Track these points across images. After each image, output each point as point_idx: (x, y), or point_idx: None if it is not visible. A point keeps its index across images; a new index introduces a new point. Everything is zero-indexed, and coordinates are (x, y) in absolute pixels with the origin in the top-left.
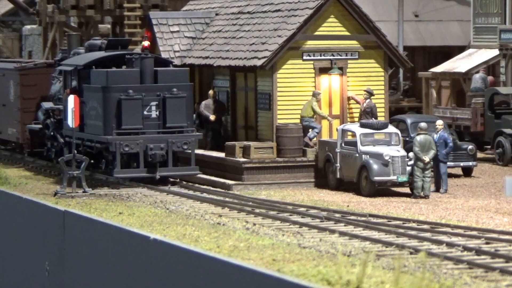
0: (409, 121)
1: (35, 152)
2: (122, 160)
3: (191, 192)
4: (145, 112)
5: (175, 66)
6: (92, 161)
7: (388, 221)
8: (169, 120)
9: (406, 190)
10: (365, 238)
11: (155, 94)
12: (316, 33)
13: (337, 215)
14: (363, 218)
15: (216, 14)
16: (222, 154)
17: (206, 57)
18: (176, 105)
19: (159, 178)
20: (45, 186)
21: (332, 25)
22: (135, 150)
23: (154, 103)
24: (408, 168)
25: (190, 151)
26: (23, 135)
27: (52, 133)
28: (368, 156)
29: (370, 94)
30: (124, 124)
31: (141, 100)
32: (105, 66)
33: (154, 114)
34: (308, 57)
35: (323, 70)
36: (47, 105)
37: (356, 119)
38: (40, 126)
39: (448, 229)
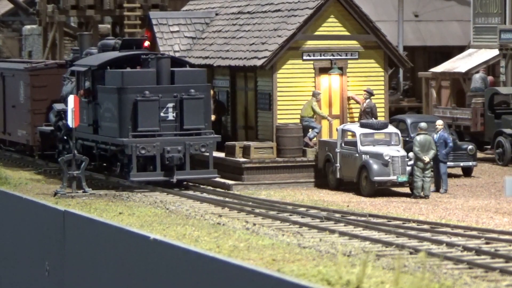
0: (409, 121)
1: (46, 154)
2: (138, 163)
3: (191, 192)
4: (161, 114)
5: (191, 66)
6: (104, 164)
7: (388, 221)
8: (186, 122)
9: (406, 190)
10: (365, 238)
11: (172, 95)
12: (316, 33)
13: (337, 215)
14: (363, 218)
15: (216, 14)
16: (222, 154)
17: (206, 57)
18: (194, 107)
19: (176, 181)
20: (45, 186)
21: (332, 25)
22: (151, 153)
23: (171, 104)
24: (408, 168)
25: (208, 153)
26: (33, 137)
27: (64, 136)
28: (368, 156)
29: (370, 94)
30: (140, 126)
31: (158, 102)
32: (119, 67)
33: (171, 116)
34: (308, 57)
35: (323, 70)
36: (59, 106)
37: (356, 119)
38: (51, 128)
39: (448, 229)
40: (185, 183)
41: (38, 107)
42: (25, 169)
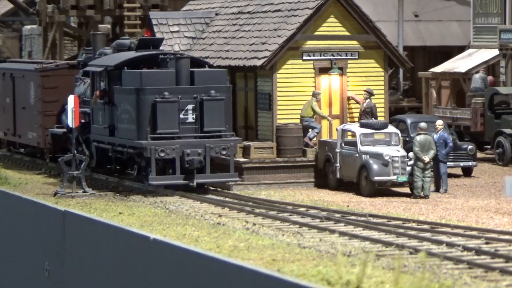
0: (409, 121)
1: (58, 157)
2: (157, 166)
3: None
4: (181, 116)
5: (210, 66)
6: (118, 167)
7: (388, 221)
8: (206, 124)
9: (406, 190)
10: (365, 238)
11: (191, 97)
12: (316, 33)
13: (337, 215)
14: (363, 218)
15: (216, 14)
16: None
17: (206, 57)
18: (214, 108)
19: (196, 185)
20: (45, 186)
21: (332, 25)
22: (171, 156)
23: (190, 106)
24: (408, 168)
25: (229, 157)
26: (44, 140)
27: (77, 138)
28: (368, 156)
29: (370, 94)
30: (159, 128)
31: (177, 103)
32: (135, 67)
33: (190, 117)
34: (308, 57)
35: (323, 70)
36: None
37: (356, 119)
38: (63, 130)
39: (448, 229)
40: (206, 187)
41: (49, 108)
42: (26, 169)
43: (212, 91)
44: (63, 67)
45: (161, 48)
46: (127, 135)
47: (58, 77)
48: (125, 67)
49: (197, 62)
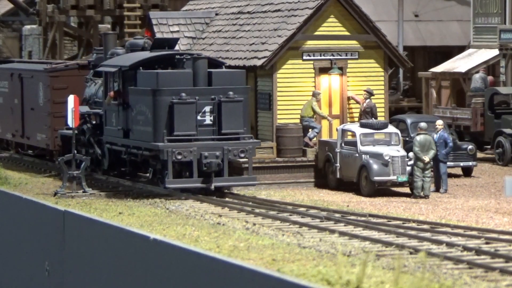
0: (409, 121)
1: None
2: (173, 169)
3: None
4: (198, 117)
5: (227, 67)
6: (131, 169)
7: (388, 221)
8: (224, 126)
9: (406, 190)
10: (365, 238)
11: (209, 98)
12: (316, 33)
13: (337, 215)
14: (363, 218)
15: (216, 14)
16: None
17: None
18: (232, 110)
19: (214, 188)
20: (45, 186)
21: (332, 25)
22: (188, 159)
23: (208, 107)
24: (408, 168)
25: (247, 159)
26: (53, 141)
27: (88, 140)
28: (368, 156)
29: (370, 94)
30: (176, 130)
31: (195, 104)
32: (149, 67)
33: (208, 119)
34: (308, 57)
35: (323, 70)
36: (83, 109)
37: (356, 119)
38: None
39: (448, 229)
40: (226, 190)
41: (59, 109)
42: (26, 169)
43: (230, 93)
44: (73, 68)
45: None
46: (143, 137)
47: (68, 77)
48: (140, 68)
49: (213, 63)
